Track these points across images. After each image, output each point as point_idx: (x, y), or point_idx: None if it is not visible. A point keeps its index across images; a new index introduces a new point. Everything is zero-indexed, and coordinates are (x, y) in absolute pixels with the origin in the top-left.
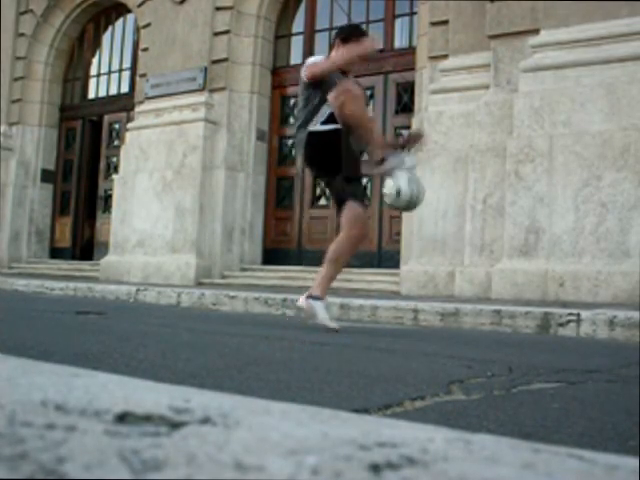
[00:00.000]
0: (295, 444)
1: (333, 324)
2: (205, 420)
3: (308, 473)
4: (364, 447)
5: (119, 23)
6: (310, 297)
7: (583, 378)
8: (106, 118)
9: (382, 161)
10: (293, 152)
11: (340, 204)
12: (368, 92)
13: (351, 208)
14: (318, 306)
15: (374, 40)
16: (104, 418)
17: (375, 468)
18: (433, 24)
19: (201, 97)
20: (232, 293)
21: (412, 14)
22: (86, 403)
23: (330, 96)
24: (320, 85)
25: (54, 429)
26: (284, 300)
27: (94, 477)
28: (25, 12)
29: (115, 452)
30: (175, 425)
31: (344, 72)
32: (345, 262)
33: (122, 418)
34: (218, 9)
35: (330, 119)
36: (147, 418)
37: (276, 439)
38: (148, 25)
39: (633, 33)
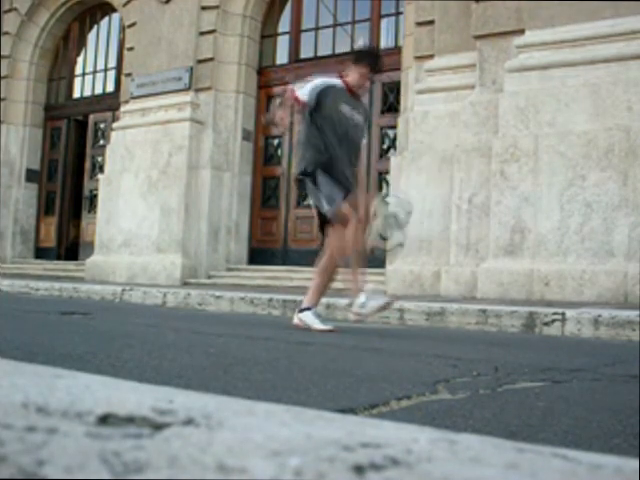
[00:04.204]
0: (278, 445)
1: (326, 326)
2: (188, 421)
3: (291, 474)
4: (348, 448)
5: (104, 22)
6: (300, 310)
7: (568, 377)
8: (91, 117)
9: None
10: (279, 152)
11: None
12: None
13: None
14: (307, 316)
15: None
16: (86, 420)
17: (359, 469)
18: (419, 24)
19: (187, 97)
20: (218, 293)
21: (398, 14)
22: (68, 405)
23: None
24: None
25: (35, 431)
26: (270, 300)
27: None
28: (9, 10)
29: (96, 454)
30: (158, 426)
31: (354, 93)
32: (333, 273)
33: (104, 420)
34: (204, 8)
35: None
36: (130, 420)
37: (259, 440)
38: (134, 24)
39: (617, 34)
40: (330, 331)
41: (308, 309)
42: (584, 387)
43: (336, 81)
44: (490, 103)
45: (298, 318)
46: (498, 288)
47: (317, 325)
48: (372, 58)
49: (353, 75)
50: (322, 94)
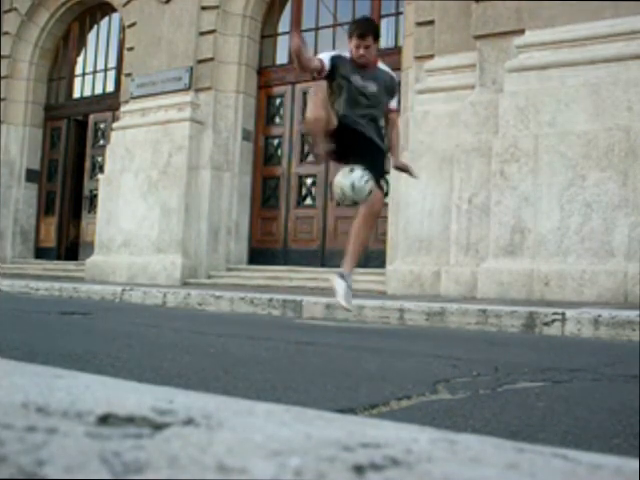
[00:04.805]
0: (278, 445)
1: (347, 304)
2: (188, 421)
3: (291, 475)
4: (348, 448)
5: (104, 22)
6: (340, 275)
7: (568, 377)
8: (91, 117)
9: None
10: (279, 152)
11: None
12: None
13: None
14: (340, 285)
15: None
16: (86, 420)
17: (359, 469)
18: (419, 24)
19: (187, 97)
20: (218, 293)
21: (398, 14)
22: (68, 405)
23: None
24: None
25: (35, 431)
26: (270, 300)
27: None
28: (9, 10)
29: (96, 454)
30: (158, 427)
31: (363, 66)
32: (366, 236)
33: (104, 420)
34: (204, 8)
35: None
36: (130, 420)
37: (259, 440)
38: (133, 24)
39: (617, 34)
40: (348, 310)
41: (344, 278)
42: (584, 387)
43: (345, 53)
44: (490, 103)
45: (336, 282)
46: (498, 288)
47: (341, 299)
48: (354, 24)
49: (352, 51)
50: (335, 58)
